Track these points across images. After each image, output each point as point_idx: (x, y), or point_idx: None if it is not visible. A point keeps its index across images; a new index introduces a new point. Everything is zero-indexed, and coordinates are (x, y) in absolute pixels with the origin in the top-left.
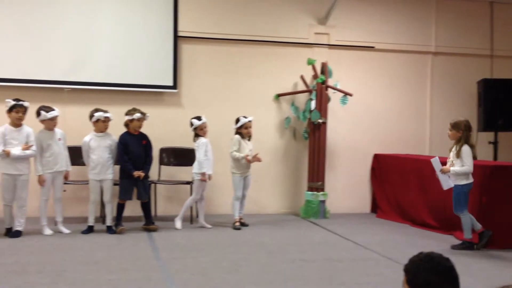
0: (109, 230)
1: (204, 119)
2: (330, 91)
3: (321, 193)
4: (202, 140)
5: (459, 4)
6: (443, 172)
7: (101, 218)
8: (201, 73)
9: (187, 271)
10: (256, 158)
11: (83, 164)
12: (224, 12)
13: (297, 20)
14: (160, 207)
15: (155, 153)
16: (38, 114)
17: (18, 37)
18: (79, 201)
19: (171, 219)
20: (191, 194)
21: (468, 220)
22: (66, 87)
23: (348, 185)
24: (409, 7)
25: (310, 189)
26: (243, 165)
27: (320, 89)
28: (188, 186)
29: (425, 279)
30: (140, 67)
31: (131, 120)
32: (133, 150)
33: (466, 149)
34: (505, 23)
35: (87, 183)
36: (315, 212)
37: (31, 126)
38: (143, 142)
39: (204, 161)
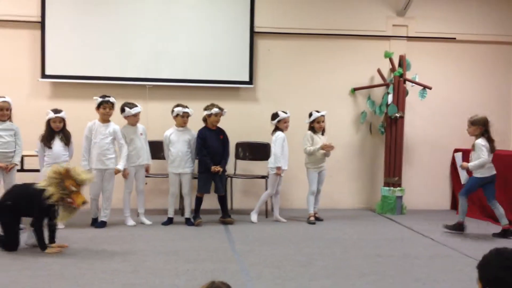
0: (188, 222)
1: (288, 114)
2: (408, 85)
3: (398, 188)
4: (280, 134)
5: None
6: (463, 167)
7: (180, 210)
8: (276, 68)
9: (262, 263)
10: (328, 146)
11: (163, 158)
12: (299, 7)
13: (374, 12)
14: (236, 201)
15: (231, 148)
16: (122, 110)
17: (102, 36)
18: (159, 193)
19: (246, 212)
20: (266, 188)
21: (463, 204)
22: (148, 84)
23: (426, 180)
24: None
25: (387, 184)
26: (318, 159)
27: (397, 83)
28: (263, 180)
29: (494, 275)
30: (217, 63)
31: (209, 115)
32: (211, 145)
33: (480, 141)
34: None
35: (167, 177)
36: (392, 208)
37: (115, 121)
38: (221, 137)
39: (280, 156)
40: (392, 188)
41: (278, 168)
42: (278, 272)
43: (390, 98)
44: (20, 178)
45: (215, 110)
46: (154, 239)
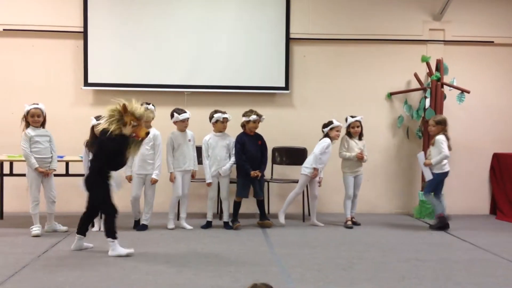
0: (226, 225)
1: (340, 124)
2: (445, 89)
3: None
4: (327, 140)
5: None
6: (426, 165)
7: (219, 214)
8: (312, 73)
9: (302, 266)
10: (361, 157)
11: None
12: (334, 13)
13: (410, 17)
14: (273, 205)
15: (268, 152)
16: (172, 116)
17: (141, 44)
18: (197, 198)
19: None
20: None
21: (434, 200)
22: (186, 91)
23: (464, 185)
24: None
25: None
26: (354, 164)
27: (435, 87)
28: None
29: None
30: (253, 70)
31: (248, 122)
32: (249, 150)
33: (441, 137)
34: None
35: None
36: (430, 212)
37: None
38: (259, 142)
39: (319, 157)
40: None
41: (315, 169)
42: (319, 275)
43: (427, 102)
44: (65, 182)
45: (253, 117)
46: (195, 242)
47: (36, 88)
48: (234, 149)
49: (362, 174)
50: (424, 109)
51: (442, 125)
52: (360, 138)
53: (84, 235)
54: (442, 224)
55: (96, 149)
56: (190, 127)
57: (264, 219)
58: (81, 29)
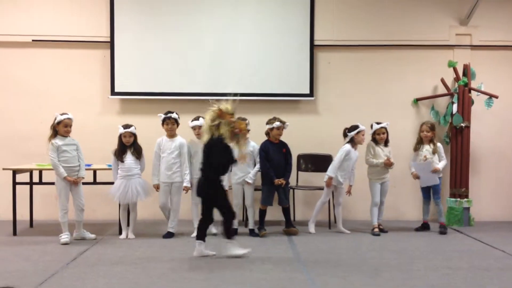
0: (251, 233)
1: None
2: (473, 94)
3: (465, 199)
4: (346, 146)
5: None
6: (435, 171)
7: (244, 221)
8: (337, 80)
9: (328, 273)
10: (388, 164)
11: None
12: (359, 19)
13: (436, 22)
14: (299, 212)
15: (293, 159)
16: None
17: (166, 53)
18: None
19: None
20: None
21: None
22: (210, 98)
23: (495, 191)
24: None
25: (453, 195)
26: (380, 171)
27: (462, 92)
28: None
29: None
30: (277, 77)
31: (271, 129)
32: (273, 158)
33: (441, 145)
34: None
35: (231, 188)
36: (459, 219)
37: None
38: (283, 150)
39: (336, 166)
40: (459, 199)
41: (329, 178)
42: (345, 282)
43: (455, 107)
44: (92, 191)
45: (277, 123)
46: (221, 249)
47: (64, 98)
48: (258, 156)
49: (388, 180)
50: (452, 115)
51: (434, 130)
52: (386, 145)
53: (204, 240)
54: (442, 231)
55: (208, 157)
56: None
57: (289, 226)
58: (108, 39)
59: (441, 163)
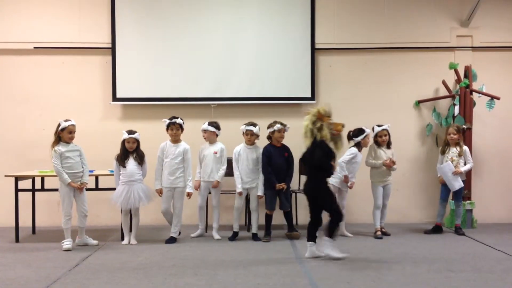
0: (255, 237)
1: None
2: (475, 95)
3: (468, 202)
4: (353, 149)
5: None
6: (456, 173)
7: (246, 225)
8: (338, 83)
9: (331, 278)
10: (389, 163)
11: (229, 174)
12: (359, 22)
13: (437, 24)
14: (301, 216)
15: (295, 163)
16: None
17: (168, 59)
18: (226, 209)
19: None
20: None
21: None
22: (212, 103)
23: (497, 193)
24: None
25: None
26: (382, 173)
27: (464, 94)
28: None
29: None
30: (279, 81)
31: (273, 132)
32: (276, 162)
33: (467, 148)
34: None
35: (235, 192)
36: (462, 221)
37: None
38: (285, 154)
39: (343, 166)
40: (461, 201)
41: (345, 176)
42: (348, 286)
43: (456, 109)
44: (95, 197)
45: (277, 126)
46: (223, 254)
47: (66, 104)
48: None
49: (391, 183)
50: (453, 117)
51: (460, 133)
52: (388, 147)
53: (315, 242)
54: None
55: (313, 159)
56: (219, 139)
57: (291, 230)
58: (109, 45)
59: (466, 166)
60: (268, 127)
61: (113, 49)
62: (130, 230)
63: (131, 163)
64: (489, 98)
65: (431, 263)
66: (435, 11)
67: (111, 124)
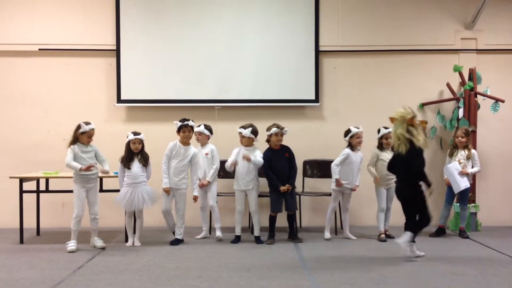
0: (257, 240)
1: (361, 129)
2: (479, 98)
3: (472, 204)
4: (345, 150)
5: None
6: (463, 174)
7: (250, 228)
8: (342, 85)
9: (335, 280)
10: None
11: (231, 176)
12: (363, 24)
13: (441, 27)
14: (305, 218)
15: (299, 166)
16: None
17: (172, 61)
18: (228, 212)
19: (315, 230)
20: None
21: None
22: (216, 105)
23: (502, 196)
24: None
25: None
26: (386, 176)
27: (468, 96)
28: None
29: None
30: (283, 83)
31: (270, 136)
32: (277, 165)
33: (476, 152)
34: None
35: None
36: (466, 224)
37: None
38: (286, 154)
39: (335, 169)
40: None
41: (337, 180)
42: None
43: (461, 112)
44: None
45: (274, 129)
46: (226, 256)
47: (71, 106)
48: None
49: (394, 186)
50: (458, 119)
51: (468, 136)
52: (393, 150)
53: (414, 241)
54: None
55: (411, 165)
56: (221, 141)
57: (293, 237)
58: (114, 47)
59: (474, 169)
60: (267, 130)
61: (117, 51)
62: (134, 232)
63: (136, 165)
64: (494, 100)
65: (434, 266)
66: (439, 13)
67: (116, 126)
